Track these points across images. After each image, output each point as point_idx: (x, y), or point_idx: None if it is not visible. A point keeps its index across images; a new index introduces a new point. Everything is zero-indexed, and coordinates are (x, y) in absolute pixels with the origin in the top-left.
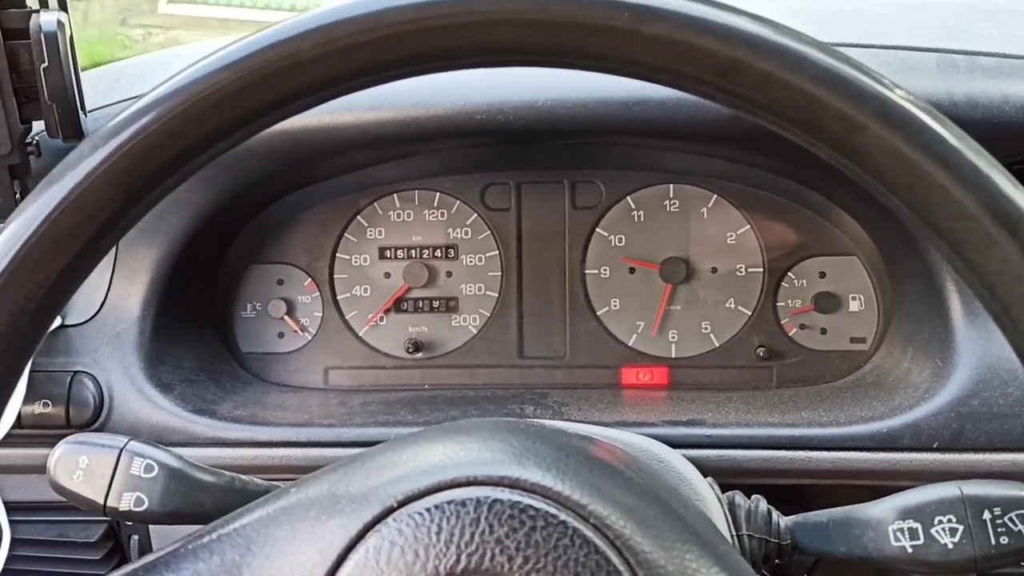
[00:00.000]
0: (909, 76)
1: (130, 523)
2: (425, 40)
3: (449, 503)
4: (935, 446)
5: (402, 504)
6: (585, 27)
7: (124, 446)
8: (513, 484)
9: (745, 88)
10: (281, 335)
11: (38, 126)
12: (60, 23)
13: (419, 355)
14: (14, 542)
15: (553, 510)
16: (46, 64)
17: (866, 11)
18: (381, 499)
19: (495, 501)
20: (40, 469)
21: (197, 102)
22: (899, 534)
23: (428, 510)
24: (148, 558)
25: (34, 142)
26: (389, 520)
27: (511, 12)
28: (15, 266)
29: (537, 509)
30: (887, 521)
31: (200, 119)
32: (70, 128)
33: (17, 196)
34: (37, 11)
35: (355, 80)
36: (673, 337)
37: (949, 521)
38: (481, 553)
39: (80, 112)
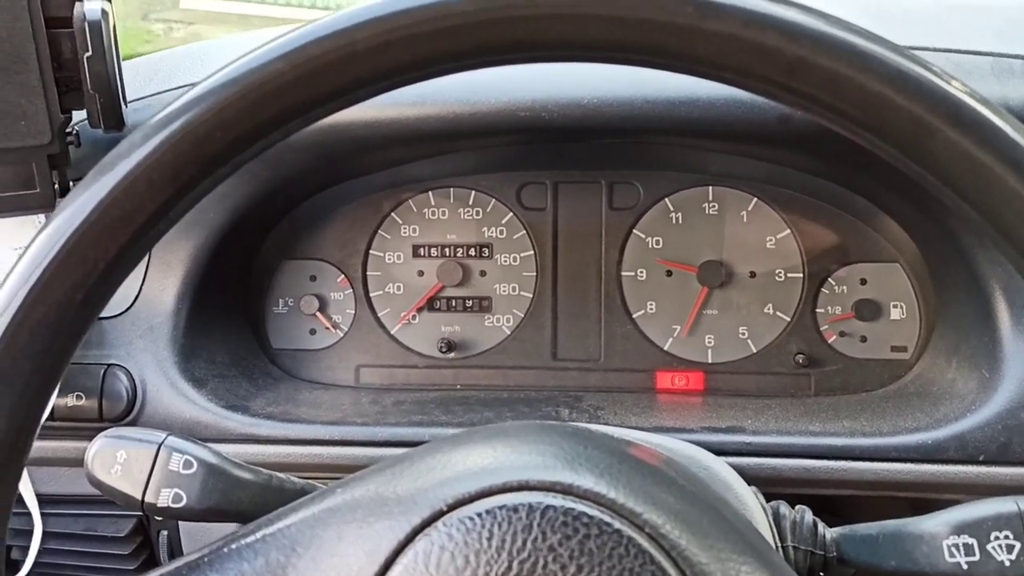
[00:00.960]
0: (965, 79)
1: (161, 519)
2: (484, 33)
3: (500, 508)
4: (981, 459)
5: (452, 508)
6: (649, 22)
7: (163, 441)
8: (566, 490)
9: (810, 87)
10: (313, 332)
11: (77, 115)
12: (104, 12)
13: (452, 355)
14: (44, 535)
15: (607, 518)
16: (89, 53)
17: (919, 13)
18: (430, 502)
19: (548, 507)
20: (72, 462)
21: (249, 92)
22: (954, 550)
23: (479, 515)
24: (191, 557)
25: (74, 132)
26: (439, 524)
27: (573, 5)
28: (64, 256)
29: (591, 516)
30: (941, 536)
31: (252, 110)
32: (112, 118)
33: (56, 186)
34: (80, 0)
35: (410, 72)
36: (710, 342)
37: (1006, 537)
38: (533, 561)
39: (122, 102)
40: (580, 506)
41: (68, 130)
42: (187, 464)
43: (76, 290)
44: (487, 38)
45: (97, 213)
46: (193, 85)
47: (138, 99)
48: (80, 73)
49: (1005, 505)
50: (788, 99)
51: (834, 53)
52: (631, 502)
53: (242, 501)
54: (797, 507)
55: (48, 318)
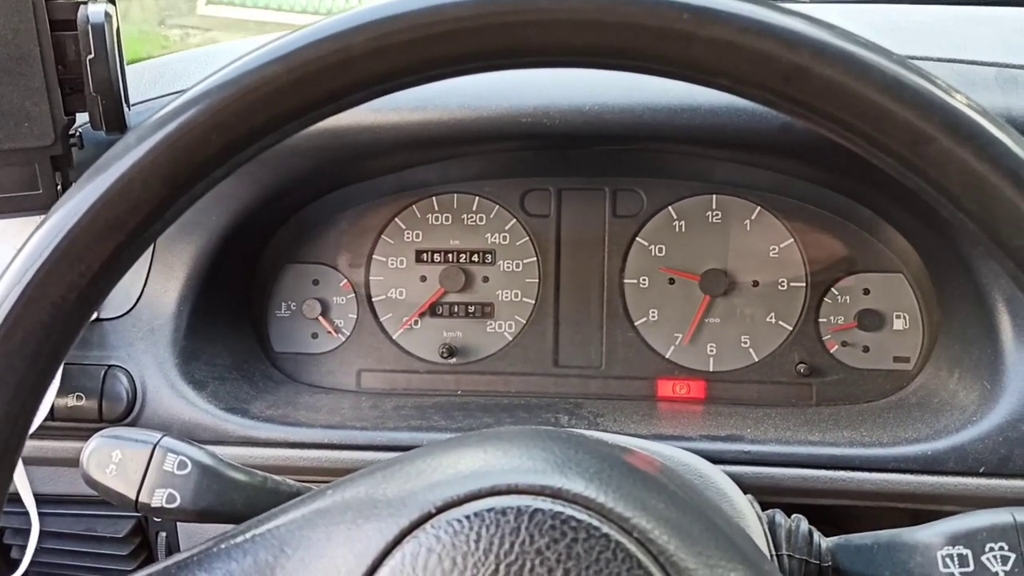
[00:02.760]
0: (968, 90)
1: (159, 519)
2: (480, 38)
3: (489, 511)
4: (981, 471)
5: (440, 510)
6: (644, 28)
7: (158, 442)
8: (555, 494)
9: (807, 95)
10: (315, 336)
11: (81, 118)
12: (107, 15)
13: (453, 360)
14: (42, 534)
15: (596, 522)
16: (92, 56)
17: (923, 23)
18: (419, 504)
19: (536, 511)
20: (71, 462)
21: (246, 95)
22: (948, 560)
23: (467, 517)
24: (180, 556)
25: (77, 134)
26: (427, 526)
27: (570, 11)
28: (58, 255)
29: (579, 520)
30: (935, 546)
31: (248, 112)
32: (114, 121)
33: (59, 187)
34: (85, 2)
35: (406, 77)
36: (711, 350)
37: (1001, 549)
38: (521, 564)
39: (124, 105)
40: (568, 510)
41: (71, 132)
42: (181, 465)
43: (71, 290)
44: (482, 43)
45: (92, 214)
46: (190, 88)
47: (141, 102)
48: (83, 75)
49: (1000, 516)
50: (784, 107)
51: (830, 61)
52: (620, 506)
53: (236, 503)
54: (793, 516)
55: (42, 318)
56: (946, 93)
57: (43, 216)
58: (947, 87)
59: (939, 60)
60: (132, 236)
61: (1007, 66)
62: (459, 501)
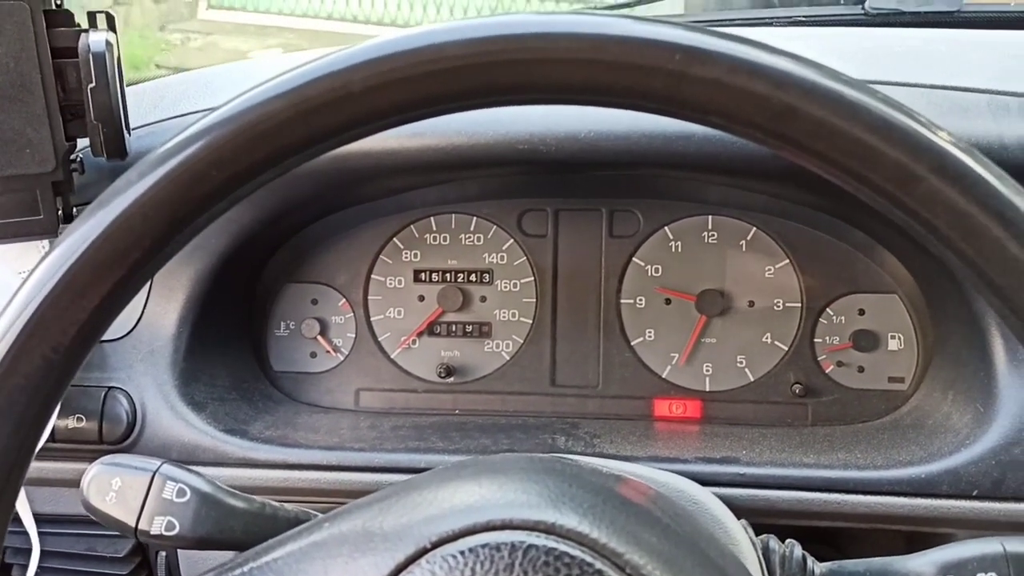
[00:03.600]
0: (960, 117)
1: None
2: (476, 76)
3: (483, 547)
4: (975, 494)
5: (436, 545)
6: (637, 68)
7: (157, 469)
8: (548, 529)
9: (796, 134)
10: (314, 355)
11: (81, 142)
12: (108, 43)
13: (451, 379)
14: (43, 554)
15: (589, 558)
16: (93, 84)
17: (917, 48)
18: (415, 539)
19: (530, 547)
20: (71, 483)
21: (246, 131)
22: None
23: (462, 552)
24: None
25: (78, 159)
26: (422, 561)
27: (563, 51)
28: (60, 290)
29: (572, 556)
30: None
31: (248, 149)
32: (115, 147)
33: (60, 212)
34: (86, 31)
35: (405, 113)
36: (707, 370)
37: None
38: None
39: (125, 131)
40: (562, 546)
41: (72, 157)
42: (180, 492)
43: (72, 324)
44: (479, 82)
45: (94, 249)
46: (191, 124)
47: (142, 126)
48: (84, 102)
49: (990, 545)
50: (774, 145)
51: (819, 101)
52: (613, 542)
53: (235, 530)
54: (787, 541)
55: (44, 353)
56: (934, 133)
57: (43, 242)
58: (935, 127)
59: (931, 87)
60: (133, 270)
61: (1000, 93)
62: (454, 536)
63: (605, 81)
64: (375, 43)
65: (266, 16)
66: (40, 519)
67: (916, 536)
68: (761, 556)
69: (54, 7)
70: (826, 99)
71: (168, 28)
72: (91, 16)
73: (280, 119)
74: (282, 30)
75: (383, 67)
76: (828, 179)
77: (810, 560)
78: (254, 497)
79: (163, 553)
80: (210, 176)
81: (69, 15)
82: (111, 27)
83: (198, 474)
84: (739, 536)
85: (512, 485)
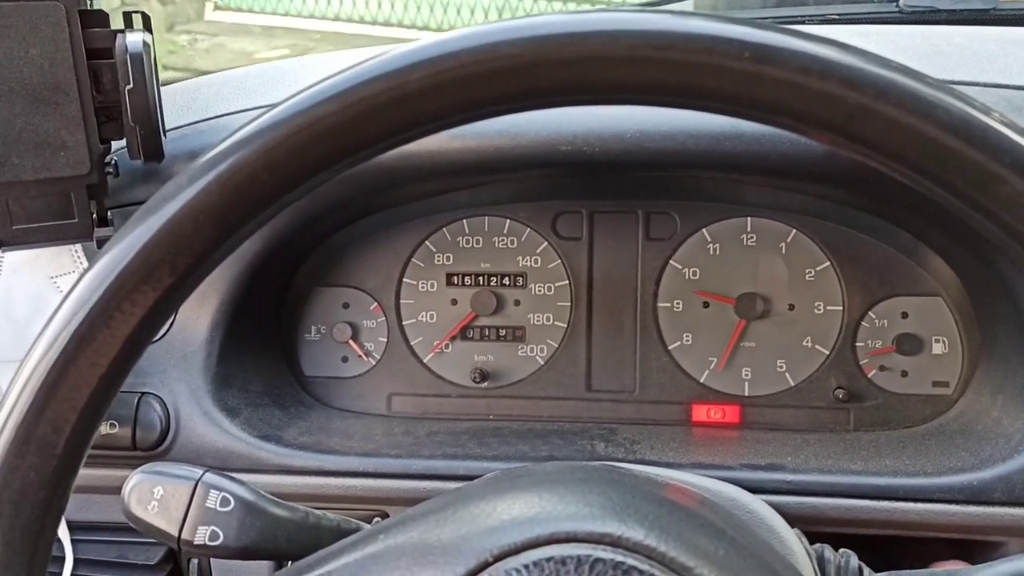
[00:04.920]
0: (1015, 115)
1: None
2: (535, 76)
3: (548, 560)
4: None
5: (498, 559)
6: (705, 67)
7: (200, 478)
8: (615, 543)
9: (871, 134)
10: (345, 359)
11: (115, 144)
12: (146, 44)
13: (485, 384)
14: (75, 562)
15: (657, 572)
16: (131, 86)
17: (966, 47)
18: (476, 552)
19: (596, 560)
20: (104, 490)
21: (298, 134)
22: None
23: (526, 567)
24: None
25: (112, 161)
26: (484, 575)
27: (627, 48)
28: (108, 297)
29: (641, 571)
30: None
31: (301, 152)
32: (152, 149)
33: (94, 216)
34: (122, 31)
35: (462, 114)
36: (746, 375)
37: None
38: None
39: (161, 133)
40: (630, 559)
41: (107, 160)
42: (224, 501)
43: (119, 335)
44: (539, 81)
45: (143, 255)
46: (242, 126)
47: (175, 128)
48: (120, 103)
49: None
50: (847, 146)
51: (895, 100)
52: (682, 555)
53: (279, 539)
54: (841, 551)
55: (95, 360)
56: (1016, 133)
57: (76, 246)
58: (1016, 126)
59: (985, 85)
60: (184, 277)
61: None
62: (517, 549)
63: (672, 81)
64: (430, 42)
65: (273, 17)
66: (73, 526)
67: (967, 545)
68: (817, 566)
69: (88, 7)
70: (902, 98)
71: (175, 29)
72: (127, 16)
73: (334, 121)
74: (289, 31)
75: (440, 67)
76: (902, 181)
77: (867, 571)
78: (297, 506)
79: (195, 560)
80: (262, 180)
81: (104, 15)
82: (147, 28)
83: (241, 483)
84: (795, 546)
85: (572, 496)
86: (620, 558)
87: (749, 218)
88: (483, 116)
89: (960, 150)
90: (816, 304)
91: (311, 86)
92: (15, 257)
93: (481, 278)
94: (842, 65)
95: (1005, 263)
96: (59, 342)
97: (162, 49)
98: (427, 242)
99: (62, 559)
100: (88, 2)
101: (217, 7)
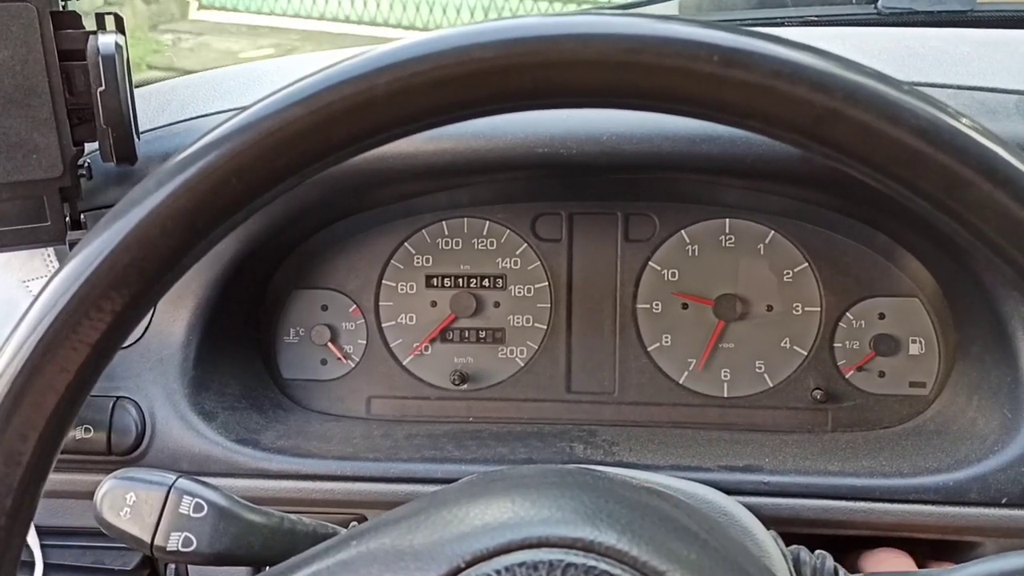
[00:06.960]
0: (988, 118)
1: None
2: (505, 80)
3: (520, 565)
4: (1004, 501)
5: (470, 564)
6: (674, 70)
7: (173, 483)
8: (587, 547)
9: (839, 138)
10: (324, 362)
11: (89, 147)
12: (118, 46)
13: (464, 386)
14: (48, 567)
15: None
16: (103, 88)
17: (940, 49)
18: (448, 558)
19: (569, 565)
20: (79, 495)
21: (267, 138)
22: None
23: (498, 572)
24: None
25: (85, 164)
26: None
27: (597, 52)
28: (75, 304)
29: (612, 575)
30: None
31: (270, 156)
32: (124, 152)
33: (67, 219)
34: (95, 33)
35: (432, 118)
36: (726, 376)
37: None
38: None
39: (134, 135)
40: (602, 564)
41: (80, 162)
42: (198, 507)
43: (85, 341)
44: (508, 85)
45: (110, 261)
46: (210, 130)
47: (150, 130)
48: (92, 105)
49: None
50: (815, 149)
51: (863, 104)
52: (654, 560)
53: (253, 545)
54: (816, 552)
55: (63, 365)
56: (983, 136)
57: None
58: (984, 130)
59: (959, 88)
60: (151, 283)
61: None
62: (489, 555)
63: (641, 84)
64: (399, 46)
65: (257, 16)
66: (45, 532)
67: (943, 545)
68: (792, 568)
69: (61, 8)
70: (870, 102)
71: (159, 28)
72: (99, 17)
73: (302, 125)
74: (274, 30)
75: (408, 71)
76: (870, 184)
77: (842, 571)
78: (272, 511)
79: (173, 566)
80: (231, 185)
81: (76, 17)
82: (120, 29)
83: (215, 488)
84: (770, 548)
85: (546, 501)
86: (592, 563)
87: (728, 219)
88: (452, 120)
89: (927, 153)
90: (794, 305)
91: (280, 89)
92: None
93: (461, 280)
94: (811, 68)
95: (981, 265)
96: (25, 349)
97: (146, 48)
98: (406, 244)
99: (32, 564)
100: (60, 3)
101: (202, 6)
